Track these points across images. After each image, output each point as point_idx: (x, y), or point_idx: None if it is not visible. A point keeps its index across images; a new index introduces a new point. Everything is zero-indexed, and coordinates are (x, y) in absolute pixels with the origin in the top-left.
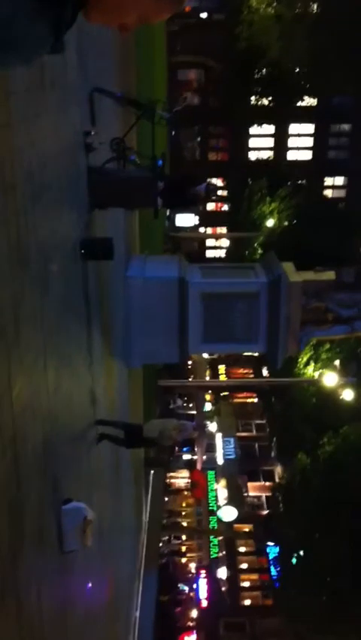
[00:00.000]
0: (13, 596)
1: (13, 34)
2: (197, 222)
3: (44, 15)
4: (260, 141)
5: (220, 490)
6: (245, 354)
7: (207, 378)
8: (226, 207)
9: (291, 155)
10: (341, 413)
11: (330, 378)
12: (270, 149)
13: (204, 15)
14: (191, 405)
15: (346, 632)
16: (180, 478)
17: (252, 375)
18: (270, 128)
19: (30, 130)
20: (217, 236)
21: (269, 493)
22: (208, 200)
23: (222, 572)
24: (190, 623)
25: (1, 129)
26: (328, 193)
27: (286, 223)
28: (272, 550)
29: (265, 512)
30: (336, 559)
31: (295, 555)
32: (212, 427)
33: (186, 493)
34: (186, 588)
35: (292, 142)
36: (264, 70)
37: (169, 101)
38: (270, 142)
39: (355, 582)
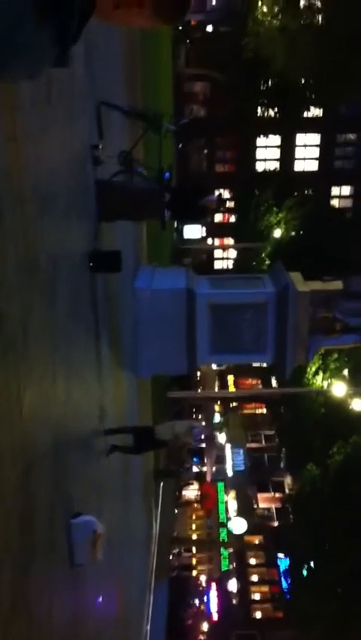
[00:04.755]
0: (24, 609)
1: (16, 47)
2: (204, 234)
3: (48, 28)
4: (267, 152)
5: (230, 501)
6: (254, 364)
7: (216, 389)
8: (233, 218)
9: (298, 166)
10: (351, 423)
11: (339, 388)
12: (276, 159)
13: (210, 28)
14: (200, 416)
15: None
16: (190, 490)
17: (260, 386)
18: (276, 139)
19: (37, 143)
20: (225, 247)
21: (279, 505)
22: (217, 211)
23: (232, 585)
24: (201, 636)
25: (9, 143)
26: (335, 203)
27: (293, 233)
28: (283, 562)
29: (275, 524)
30: (347, 570)
31: (306, 567)
32: (221, 438)
33: (195, 505)
34: (197, 601)
35: (298, 152)
36: (270, 81)
37: (176, 113)
38: (276, 153)
39: None
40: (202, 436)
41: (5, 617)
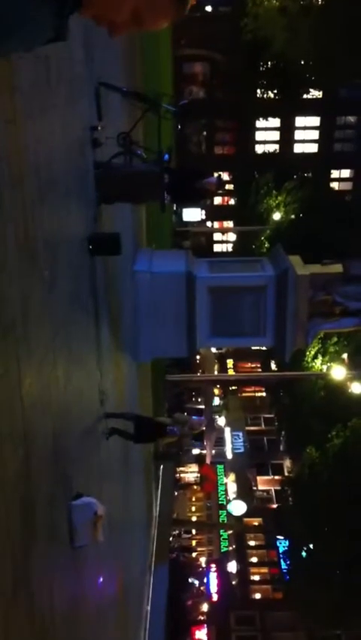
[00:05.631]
0: (25, 591)
1: (15, 18)
2: (204, 216)
3: (47, 2)
4: (266, 134)
5: (230, 483)
6: (253, 347)
7: (216, 373)
8: (232, 201)
9: (297, 148)
10: (350, 406)
11: (338, 372)
12: (276, 142)
13: (209, 8)
14: (200, 399)
15: (357, 625)
16: (190, 473)
17: (260, 369)
18: (276, 121)
19: (36, 125)
20: (224, 230)
21: (278, 487)
22: (217, 193)
23: (232, 566)
24: (201, 617)
25: (7, 125)
26: (334, 185)
27: (292, 216)
28: (282, 543)
29: (275, 506)
30: (346, 552)
31: (305, 549)
32: (221, 421)
33: (195, 487)
34: (197, 582)
35: (298, 135)
36: (269, 62)
37: (175, 94)
38: (276, 135)
39: None
40: (202, 427)
41: (7, 598)
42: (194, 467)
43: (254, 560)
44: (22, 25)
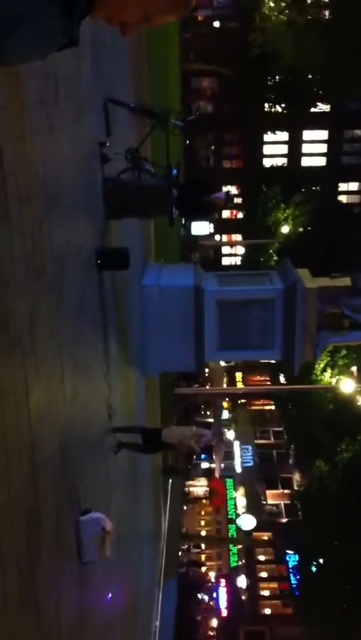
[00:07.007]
0: (32, 606)
1: (25, 17)
2: (212, 230)
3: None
4: (274, 148)
5: (239, 497)
6: (262, 361)
7: (224, 386)
8: (240, 214)
9: (305, 162)
10: (359, 419)
11: (347, 385)
12: (284, 155)
13: (217, 23)
14: (208, 413)
15: None
16: (199, 487)
17: (269, 383)
18: (284, 135)
19: (45, 141)
20: (232, 244)
21: (288, 501)
22: (225, 207)
23: (241, 581)
24: (210, 632)
25: (16, 141)
26: (342, 199)
27: (301, 229)
28: (292, 558)
29: (284, 520)
30: (356, 566)
31: (315, 563)
32: (230, 434)
33: (204, 501)
34: (206, 597)
35: (305, 148)
36: (277, 77)
37: (183, 109)
38: (284, 149)
39: None
40: (212, 442)
41: (14, 611)
42: (203, 481)
43: (264, 574)
44: (30, 21)
